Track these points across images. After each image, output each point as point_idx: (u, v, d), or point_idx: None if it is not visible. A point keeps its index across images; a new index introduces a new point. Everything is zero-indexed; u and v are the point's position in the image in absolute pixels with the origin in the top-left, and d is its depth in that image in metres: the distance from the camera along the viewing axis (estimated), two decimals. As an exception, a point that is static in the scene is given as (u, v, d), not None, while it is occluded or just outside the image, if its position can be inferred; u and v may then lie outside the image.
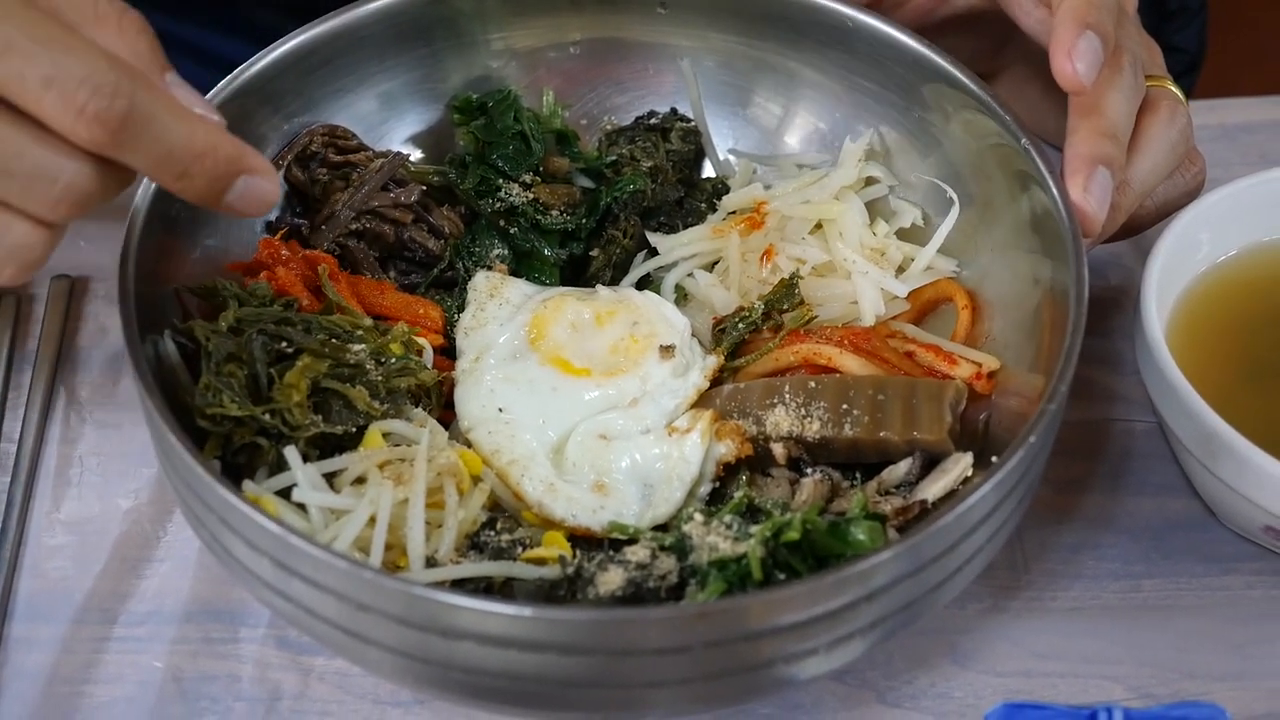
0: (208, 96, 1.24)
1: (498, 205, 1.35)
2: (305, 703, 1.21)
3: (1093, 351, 1.40)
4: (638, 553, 1.11)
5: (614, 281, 1.36)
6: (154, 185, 1.18)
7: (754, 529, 1.10)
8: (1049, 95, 1.32)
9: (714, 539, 1.10)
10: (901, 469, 1.20)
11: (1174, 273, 1.29)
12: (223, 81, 1.26)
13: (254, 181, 1.05)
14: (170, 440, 1.06)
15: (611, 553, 1.13)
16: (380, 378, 1.19)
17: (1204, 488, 1.27)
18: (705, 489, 1.22)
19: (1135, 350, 1.26)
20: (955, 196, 1.33)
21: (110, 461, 1.35)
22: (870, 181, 1.38)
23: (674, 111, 1.45)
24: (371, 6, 1.32)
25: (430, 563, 1.12)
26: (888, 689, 1.22)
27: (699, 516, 1.13)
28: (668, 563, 1.10)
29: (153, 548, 1.30)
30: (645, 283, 1.37)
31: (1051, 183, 1.20)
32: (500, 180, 1.36)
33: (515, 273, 1.35)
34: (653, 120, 1.44)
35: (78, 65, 0.95)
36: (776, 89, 1.42)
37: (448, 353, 1.30)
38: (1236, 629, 1.25)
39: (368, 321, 1.23)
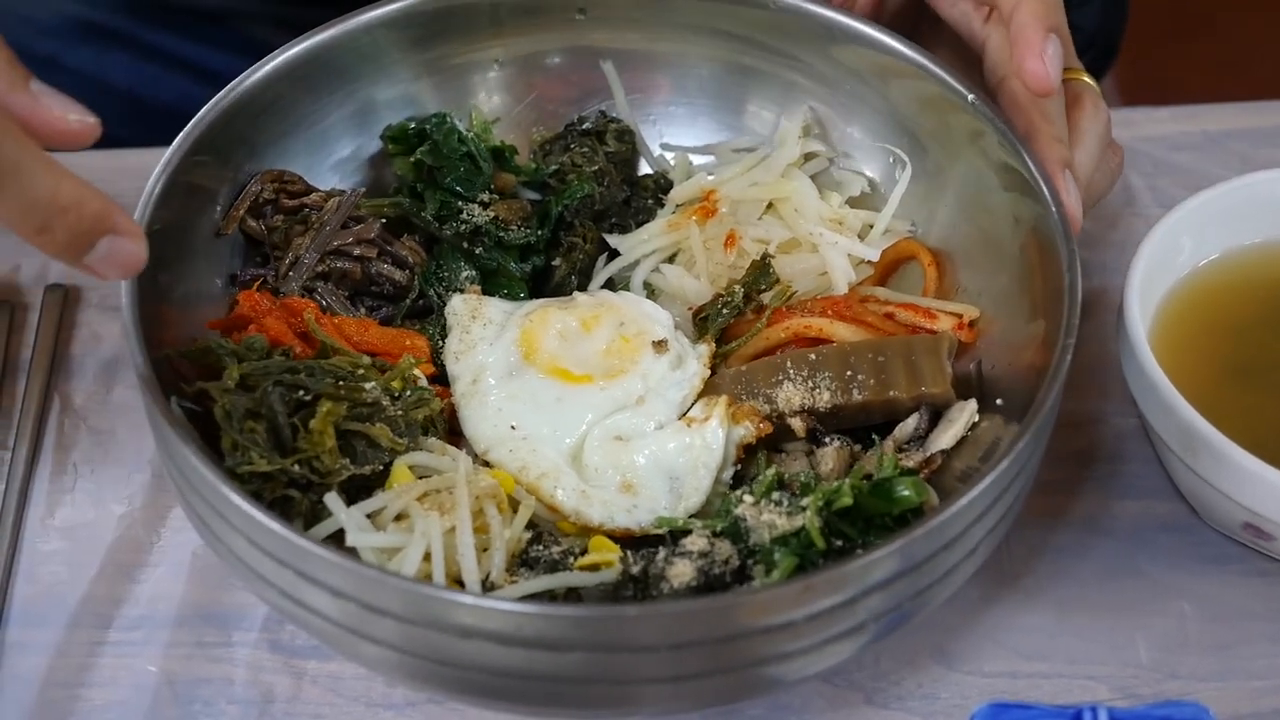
0: (166, 156, 1.23)
1: (462, 228, 1.35)
2: (298, 705, 1.22)
3: (1077, 357, 1.41)
4: (696, 542, 1.13)
5: (580, 288, 1.37)
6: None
7: (805, 501, 1.12)
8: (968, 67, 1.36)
9: (769, 517, 1.13)
10: (911, 424, 1.24)
11: (1156, 276, 1.31)
12: (177, 139, 1.24)
13: (119, 243, 1.01)
14: (236, 503, 1.05)
15: (674, 546, 1.14)
16: (400, 412, 1.20)
17: (1185, 486, 1.29)
18: (728, 473, 1.24)
19: (1119, 351, 1.27)
20: (905, 157, 1.36)
21: (104, 468, 1.36)
22: (810, 156, 1.41)
23: (603, 113, 1.46)
24: (300, 48, 1.32)
25: (487, 586, 1.12)
26: (875, 690, 1.23)
27: (748, 498, 1.15)
28: (725, 548, 1.12)
29: (146, 553, 1.31)
30: (610, 284, 1.38)
31: (1009, 132, 1.24)
32: (459, 203, 1.36)
33: (486, 292, 1.36)
34: (585, 125, 1.45)
35: None
36: (703, 80, 1.44)
37: (437, 380, 1.29)
38: (1220, 630, 1.27)
39: (366, 360, 1.23)
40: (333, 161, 1.39)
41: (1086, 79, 1.34)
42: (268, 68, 1.30)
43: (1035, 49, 1.22)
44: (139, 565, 1.30)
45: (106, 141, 1.62)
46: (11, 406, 1.39)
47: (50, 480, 1.35)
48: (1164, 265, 1.32)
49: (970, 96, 1.28)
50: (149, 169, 1.22)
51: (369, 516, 1.15)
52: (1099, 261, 1.49)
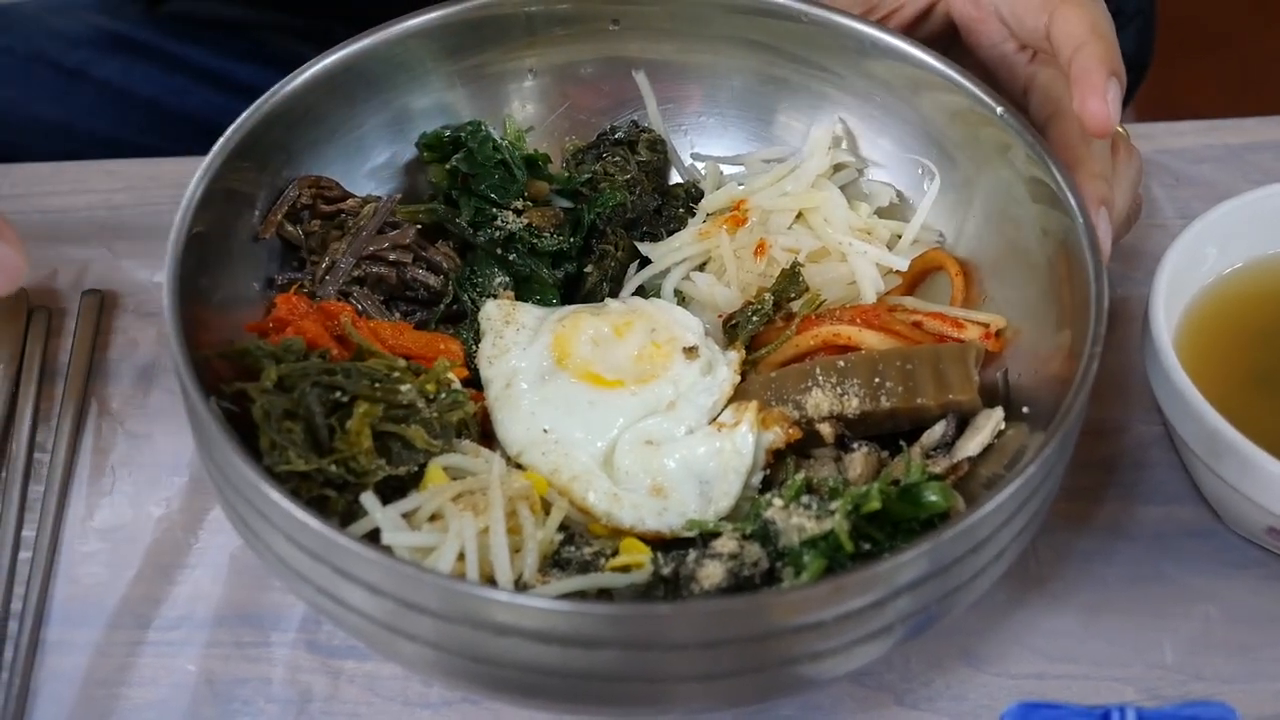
0: (206, 162, 1.23)
1: (495, 234, 1.37)
2: (335, 704, 1.24)
3: (1101, 365, 1.42)
4: (726, 544, 1.15)
5: (612, 295, 1.39)
6: (177, 256, 1.18)
7: (834, 505, 1.14)
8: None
9: (798, 520, 1.14)
10: (938, 431, 1.25)
11: (1181, 284, 1.33)
12: (217, 145, 1.25)
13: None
14: (275, 499, 1.06)
15: (704, 549, 1.16)
16: (435, 414, 1.21)
17: (1209, 490, 1.30)
18: (757, 478, 1.25)
19: (1144, 358, 1.29)
20: (934, 168, 1.38)
21: (142, 470, 1.38)
22: (839, 167, 1.43)
23: (635, 123, 1.47)
24: (336, 57, 1.34)
25: (519, 586, 1.13)
26: (905, 691, 1.25)
27: (778, 501, 1.16)
28: (754, 550, 1.14)
29: (184, 554, 1.33)
30: (641, 291, 1.40)
31: (1037, 145, 1.26)
32: (493, 210, 1.38)
33: (519, 297, 1.37)
34: (617, 134, 1.46)
35: None
36: (734, 90, 1.46)
37: (471, 384, 1.30)
38: (1244, 632, 1.28)
39: (401, 363, 1.24)
40: (369, 168, 1.41)
41: (1119, 126, 1.35)
42: (305, 76, 1.32)
43: (1099, 90, 1.23)
44: (177, 566, 1.32)
45: (136, 149, 1.65)
46: (50, 410, 1.41)
47: (89, 483, 1.37)
48: (1188, 273, 1.34)
49: (999, 109, 1.29)
50: (183, 177, 1.23)
51: (404, 516, 1.16)
52: (1121, 271, 1.50)
